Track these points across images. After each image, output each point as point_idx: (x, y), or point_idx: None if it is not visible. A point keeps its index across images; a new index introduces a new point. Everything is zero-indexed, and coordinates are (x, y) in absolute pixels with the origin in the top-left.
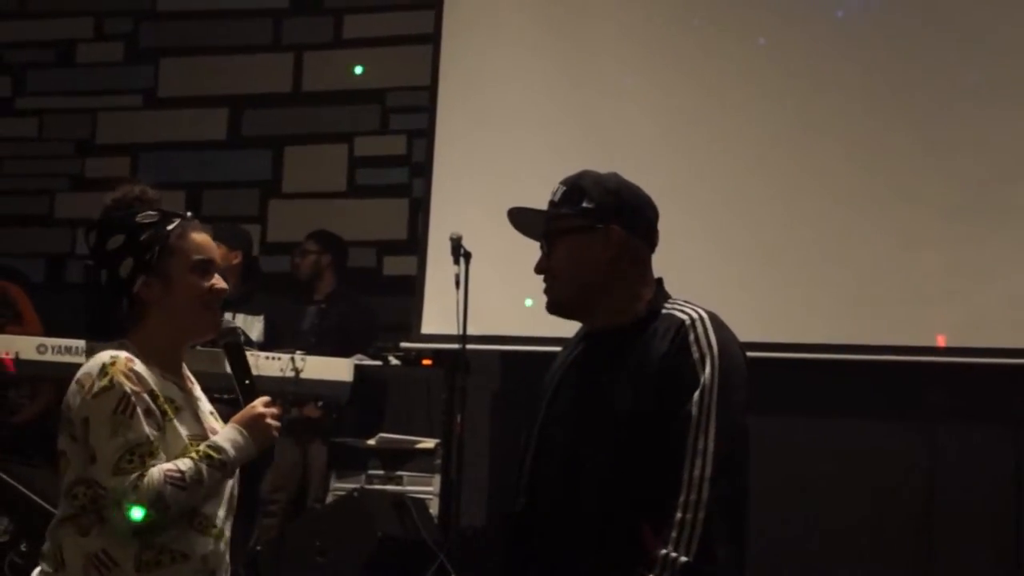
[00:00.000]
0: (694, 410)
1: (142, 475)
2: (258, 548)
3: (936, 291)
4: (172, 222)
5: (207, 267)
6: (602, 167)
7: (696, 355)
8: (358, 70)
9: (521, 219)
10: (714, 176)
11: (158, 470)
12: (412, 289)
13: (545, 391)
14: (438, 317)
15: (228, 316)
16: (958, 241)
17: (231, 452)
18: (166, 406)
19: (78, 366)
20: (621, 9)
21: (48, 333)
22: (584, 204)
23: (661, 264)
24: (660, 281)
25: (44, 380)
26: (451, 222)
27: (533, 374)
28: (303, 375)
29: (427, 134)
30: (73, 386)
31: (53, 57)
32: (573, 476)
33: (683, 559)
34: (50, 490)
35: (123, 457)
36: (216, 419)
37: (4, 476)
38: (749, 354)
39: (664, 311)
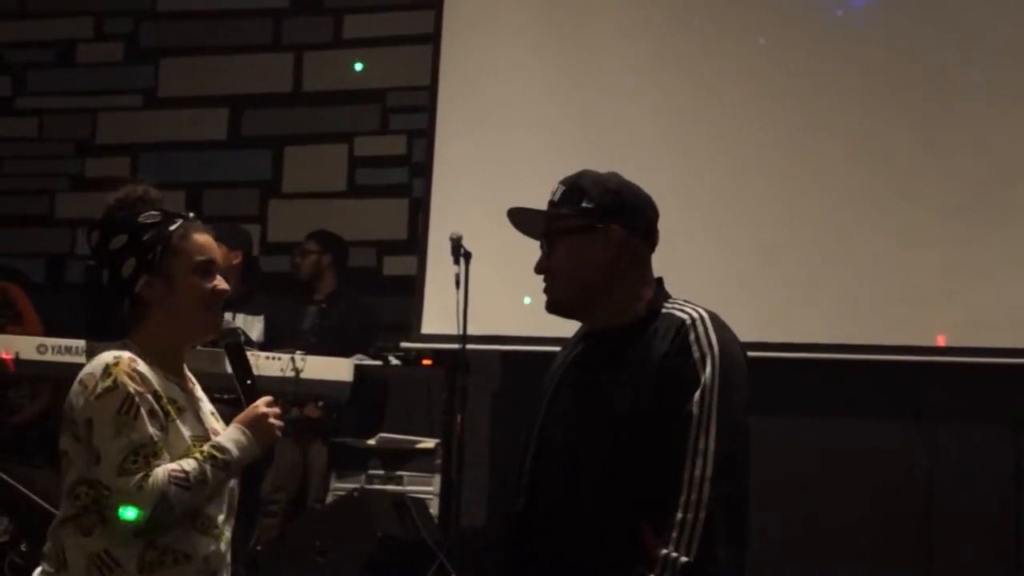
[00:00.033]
0: (695, 410)
1: (147, 475)
2: (258, 548)
3: (936, 291)
4: (175, 222)
5: (209, 268)
6: (602, 167)
7: (697, 355)
8: (358, 66)
9: (521, 219)
10: (714, 176)
11: (162, 470)
12: (412, 289)
13: (545, 391)
14: (438, 317)
15: (228, 316)
16: (958, 241)
17: (235, 452)
18: (169, 407)
19: (78, 366)
20: (621, 9)
21: (48, 333)
22: (584, 204)
23: (661, 264)
24: (660, 281)
25: (44, 380)
26: (451, 222)
27: (533, 374)
28: (303, 375)
29: (427, 134)
30: (76, 386)
31: (53, 57)
32: (573, 476)
33: (684, 559)
34: (50, 490)
35: (127, 458)
36: (217, 420)
37: (4, 476)
38: (749, 354)
39: (664, 311)
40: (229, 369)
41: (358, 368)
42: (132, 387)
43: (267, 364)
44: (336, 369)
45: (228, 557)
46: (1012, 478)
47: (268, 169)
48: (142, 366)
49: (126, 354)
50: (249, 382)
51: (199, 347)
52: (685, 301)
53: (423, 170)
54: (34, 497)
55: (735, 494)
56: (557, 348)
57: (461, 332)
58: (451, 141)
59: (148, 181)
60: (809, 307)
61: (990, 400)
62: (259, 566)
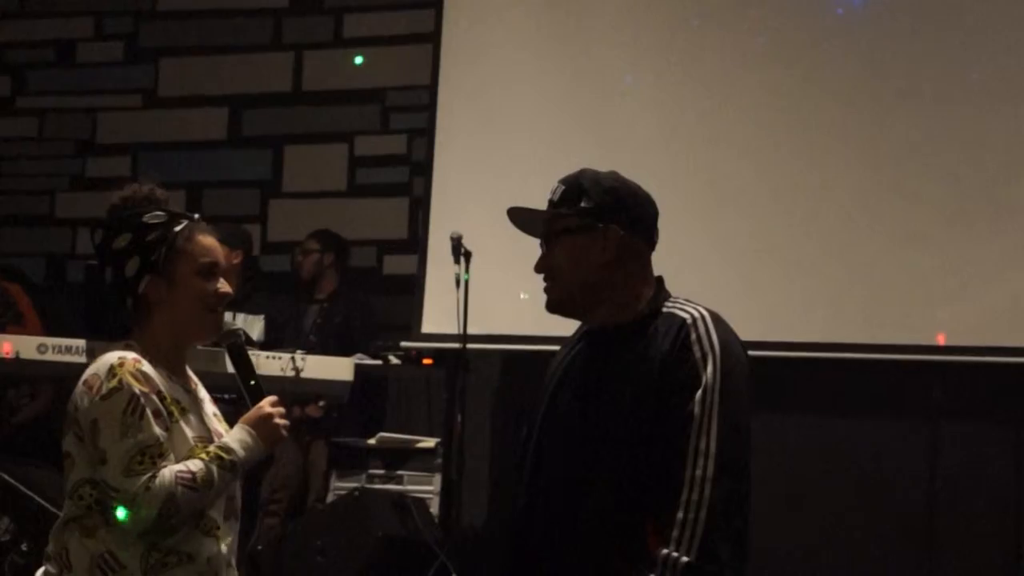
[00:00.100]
0: (696, 409)
1: (153, 476)
2: (259, 548)
3: (936, 290)
4: (179, 223)
5: (212, 270)
6: (602, 166)
7: (698, 354)
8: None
9: (521, 218)
10: (714, 175)
11: (169, 471)
12: (412, 288)
13: (545, 390)
14: (438, 316)
15: (228, 316)
16: (958, 240)
17: (241, 453)
18: (172, 407)
19: (78, 366)
20: (621, 8)
21: (48, 333)
22: (583, 203)
23: (661, 263)
24: (660, 280)
25: (44, 380)
26: (451, 221)
27: (533, 373)
28: (303, 374)
29: (427, 133)
30: (80, 387)
31: (53, 57)
32: (574, 476)
33: (684, 559)
34: (51, 490)
35: (134, 459)
36: (220, 421)
37: (4, 476)
38: (749, 353)
39: (665, 310)
40: (230, 368)
41: (358, 368)
42: (137, 388)
43: (267, 363)
44: (336, 368)
45: (231, 558)
46: (1013, 477)
47: (268, 169)
48: (147, 366)
49: (131, 354)
50: (253, 382)
51: (199, 346)
52: (686, 300)
53: (423, 170)
54: (35, 496)
55: (736, 494)
56: (557, 347)
57: (461, 331)
58: (451, 140)
59: (152, 181)
60: (809, 306)
61: (991, 399)
62: (260, 565)
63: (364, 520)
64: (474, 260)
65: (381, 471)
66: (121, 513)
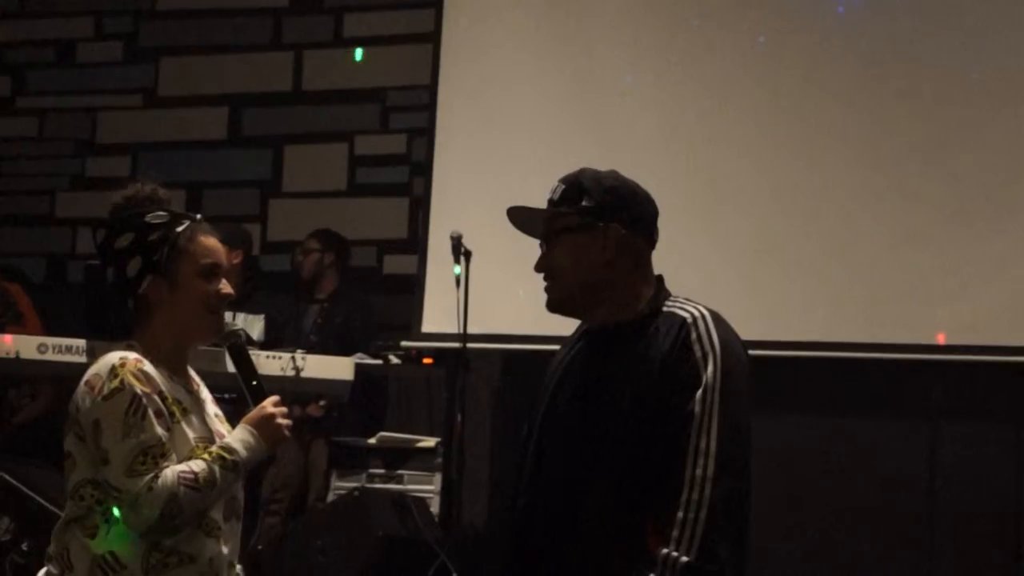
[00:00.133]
0: (696, 409)
1: (156, 476)
2: (260, 547)
3: (936, 289)
4: (182, 224)
5: (214, 271)
6: (602, 165)
7: (698, 353)
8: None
9: (521, 217)
10: (714, 174)
11: (172, 471)
12: (412, 288)
13: (546, 389)
14: (439, 316)
15: (228, 316)
16: (958, 239)
17: (243, 453)
18: (174, 407)
19: (78, 366)
20: (621, 8)
21: (48, 333)
22: (583, 202)
23: (661, 262)
24: (661, 279)
25: (44, 380)
26: (451, 221)
27: (533, 373)
28: (303, 374)
29: (427, 133)
30: (82, 387)
31: (53, 57)
32: (574, 475)
33: (684, 559)
34: (51, 490)
35: (136, 459)
36: (222, 422)
37: (5, 476)
38: (750, 352)
39: (665, 309)
40: (231, 368)
41: (359, 367)
42: (139, 388)
43: (267, 363)
44: (337, 368)
45: (233, 558)
46: (1013, 477)
47: (268, 168)
48: (148, 367)
49: (132, 355)
50: (255, 383)
51: (200, 347)
52: (686, 299)
53: (423, 169)
54: (35, 496)
55: (737, 493)
56: (558, 347)
57: (462, 331)
58: (451, 140)
59: (154, 180)
60: (809, 305)
61: (991, 398)
62: (260, 565)
63: (364, 520)
64: (474, 260)
65: (381, 470)
66: (122, 513)
